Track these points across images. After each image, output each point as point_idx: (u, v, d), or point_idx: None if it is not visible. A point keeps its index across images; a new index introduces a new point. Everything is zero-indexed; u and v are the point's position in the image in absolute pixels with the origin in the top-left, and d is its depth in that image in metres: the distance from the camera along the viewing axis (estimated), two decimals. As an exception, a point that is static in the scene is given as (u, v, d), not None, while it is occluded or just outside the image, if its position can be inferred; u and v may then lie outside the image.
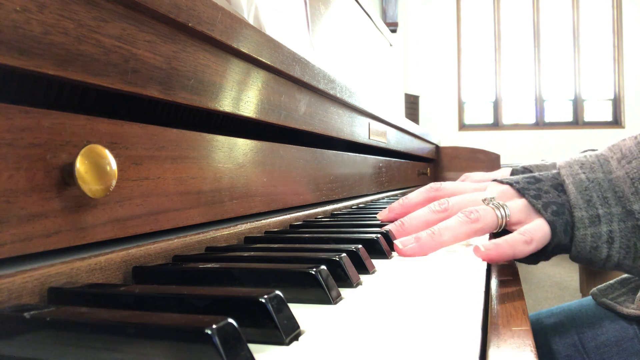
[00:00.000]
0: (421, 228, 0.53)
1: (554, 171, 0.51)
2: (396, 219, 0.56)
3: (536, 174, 0.52)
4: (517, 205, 0.49)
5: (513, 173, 1.00)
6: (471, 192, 0.56)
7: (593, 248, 0.46)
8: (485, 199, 0.51)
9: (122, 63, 0.38)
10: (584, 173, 0.48)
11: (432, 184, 0.61)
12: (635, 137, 0.50)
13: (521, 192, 0.50)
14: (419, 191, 0.61)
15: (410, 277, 0.42)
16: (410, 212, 0.56)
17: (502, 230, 0.50)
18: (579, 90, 6.40)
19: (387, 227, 0.55)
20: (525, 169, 0.98)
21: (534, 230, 0.46)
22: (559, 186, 0.49)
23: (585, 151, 0.66)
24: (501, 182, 0.53)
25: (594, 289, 0.69)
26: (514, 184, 0.51)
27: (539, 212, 0.48)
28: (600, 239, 0.46)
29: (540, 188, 0.49)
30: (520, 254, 0.46)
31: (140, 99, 0.42)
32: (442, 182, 0.61)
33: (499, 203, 0.49)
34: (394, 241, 0.50)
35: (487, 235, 0.58)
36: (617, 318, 0.65)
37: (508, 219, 0.49)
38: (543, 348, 0.68)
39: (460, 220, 0.49)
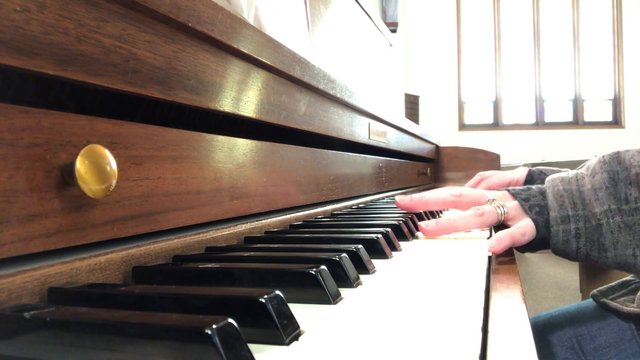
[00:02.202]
0: (439, 204, 0.70)
1: (543, 185, 0.66)
2: (411, 206, 0.72)
3: (529, 185, 0.67)
4: (512, 206, 0.64)
5: (530, 174, 1.05)
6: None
7: (565, 241, 0.59)
8: (488, 200, 0.66)
9: (122, 63, 0.38)
10: (562, 185, 0.62)
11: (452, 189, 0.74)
12: (602, 157, 0.63)
13: (515, 196, 0.64)
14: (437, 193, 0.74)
15: (411, 277, 0.42)
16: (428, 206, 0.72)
17: (500, 225, 0.63)
18: (579, 90, 6.40)
19: (411, 196, 0.72)
20: (542, 172, 1.03)
21: (525, 226, 0.60)
22: (543, 194, 0.64)
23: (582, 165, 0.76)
24: (501, 189, 0.69)
25: (594, 291, 0.69)
26: (510, 190, 0.66)
27: (526, 212, 0.62)
28: (569, 234, 0.59)
29: (529, 194, 0.64)
30: (518, 243, 0.60)
31: (140, 99, 0.42)
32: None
33: (499, 203, 0.64)
34: (419, 223, 0.65)
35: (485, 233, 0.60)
36: (615, 320, 0.65)
37: (506, 215, 0.63)
38: (542, 351, 0.68)
39: (472, 213, 0.63)
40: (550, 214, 0.60)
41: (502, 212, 0.63)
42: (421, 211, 0.79)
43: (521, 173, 1.09)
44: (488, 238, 0.60)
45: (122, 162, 0.38)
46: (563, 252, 0.61)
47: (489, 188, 1.16)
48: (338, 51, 1.41)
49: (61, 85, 0.37)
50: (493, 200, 0.65)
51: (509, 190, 0.66)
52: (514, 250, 0.63)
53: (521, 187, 0.66)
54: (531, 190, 0.65)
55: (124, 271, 0.37)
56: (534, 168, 1.08)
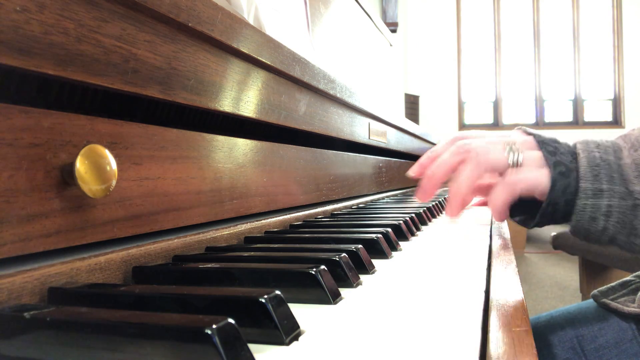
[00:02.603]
0: (447, 174, 0.59)
1: (573, 144, 0.56)
2: (425, 172, 0.62)
3: (559, 139, 0.56)
4: (532, 156, 0.54)
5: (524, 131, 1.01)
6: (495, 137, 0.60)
7: (592, 218, 0.51)
8: (506, 142, 0.55)
9: (122, 63, 0.38)
10: (599, 152, 0.52)
11: (456, 134, 0.63)
12: None
13: (540, 144, 0.54)
14: (445, 141, 0.64)
15: (411, 277, 0.42)
16: None
17: (521, 204, 0.55)
18: (579, 90, 6.40)
19: (421, 182, 0.62)
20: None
21: (531, 171, 0.52)
22: (574, 154, 0.54)
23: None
24: (525, 131, 0.57)
25: (594, 291, 0.69)
26: (536, 136, 0.55)
27: (547, 164, 0.52)
28: (598, 211, 0.50)
29: (557, 147, 0.54)
30: (514, 193, 0.52)
31: (140, 99, 0.42)
32: (467, 132, 0.64)
33: (516, 148, 0.54)
34: (445, 212, 0.61)
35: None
36: (616, 320, 0.65)
37: (520, 164, 0.53)
38: (542, 351, 0.68)
39: (465, 174, 0.55)
40: (580, 184, 0.51)
41: (514, 159, 0.53)
42: (421, 211, 0.79)
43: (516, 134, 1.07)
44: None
45: (122, 162, 0.38)
46: (584, 231, 0.52)
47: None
48: (338, 51, 1.41)
49: (61, 85, 0.37)
50: (512, 143, 0.55)
51: (534, 136, 0.56)
52: (514, 221, 0.57)
53: (550, 137, 0.56)
54: (560, 144, 0.55)
55: (124, 271, 0.37)
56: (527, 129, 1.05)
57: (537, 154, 0.53)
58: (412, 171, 0.66)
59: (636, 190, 0.50)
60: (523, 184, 0.52)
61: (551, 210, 0.52)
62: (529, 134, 0.57)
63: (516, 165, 0.53)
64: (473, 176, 0.54)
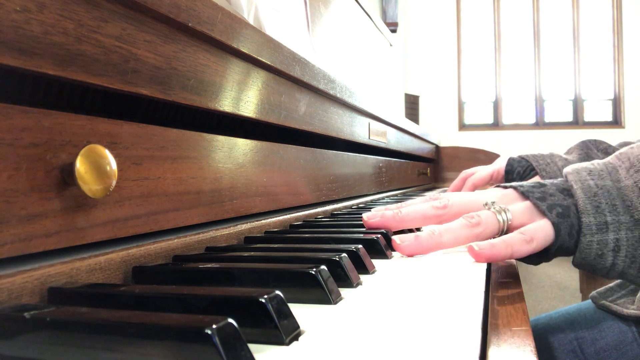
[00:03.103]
0: (418, 221, 0.54)
1: (560, 178, 0.51)
2: (383, 224, 0.55)
3: (541, 181, 0.52)
4: (519, 208, 0.49)
5: (510, 162, 1.00)
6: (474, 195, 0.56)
7: (598, 255, 0.46)
8: (486, 203, 0.51)
9: (122, 63, 0.38)
10: (592, 180, 0.48)
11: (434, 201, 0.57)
12: None
13: (525, 194, 0.49)
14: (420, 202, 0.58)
15: (411, 277, 0.42)
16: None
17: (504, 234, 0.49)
18: (579, 90, 6.40)
19: (382, 212, 0.55)
20: (522, 159, 0.98)
21: (536, 229, 0.46)
22: (564, 190, 0.49)
23: (587, 142, 0.64)
24: (504, 187, 0.53)
25: (593, 292, 0.69)
26: (518, 187, 0.51)
27: (543, 213, 0.47)
28: (606, 247, 0.46)
29: (545, 191, 0.49)
30: (518, 254, 0.46)
31: (141, 99, 0.42)
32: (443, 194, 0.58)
33: (500, 207, 0.49)
34: (393, 237, 0.49)
35: None
36: (616, 322, 0.65)
37: (510, 223, 0.48)
38: (542, 354, 0.68)
39: (462, 223, 0.49)
40: (582, 219, 0.46)
41: (505, 218, 0.48)
42: None
43: (501, 163, 1.06)
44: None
45: (122, 162, 0.38)
46: (590, 267, 0.48)
47: (474, 186, 1.11)
48: (338, 51, 1.41)
49: (61, 85, 0.37)
50: (492, 203, 0.50)
51: (515, 188, 0.51)
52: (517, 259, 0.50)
53: (531, 184, 0.51)
54: (546, 186, 0.50)
55: (124, 271, 0.37)
56: (514, 155, 1.01)
57: (525, 205, 0.49)
58: (369, 217, 0.57)
59: None
60: (531, 248, 0.46)
61: (559, 252, 0.49)
62: (508, 186, 0.52)
63: (507, 223, 0.48)
64: (462, 241, 0.49)
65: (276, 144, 0.65)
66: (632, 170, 0.47)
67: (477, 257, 0.46)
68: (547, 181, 0.51)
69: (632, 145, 0.51)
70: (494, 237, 0.49)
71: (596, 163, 0.50)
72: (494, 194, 0.53)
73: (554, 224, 0.46)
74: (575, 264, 0.49)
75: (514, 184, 0.53)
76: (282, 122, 0.65)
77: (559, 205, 0.47)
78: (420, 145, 1.76)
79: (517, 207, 0.49)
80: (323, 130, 0.80)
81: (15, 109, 0.30)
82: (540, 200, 0.48)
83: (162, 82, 0.42)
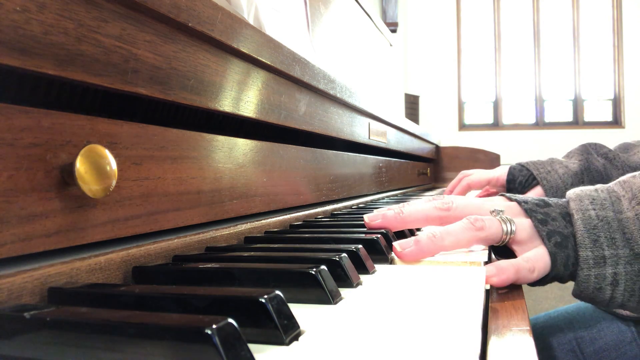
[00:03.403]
0: (420, 221, 0.54)
1: (564, 200, 0.51)
2: (385, 225, 0.55)
3: (545, 198, 0.51)
4: (523, 224, 0.48)
5: (511, 172, 1.00)
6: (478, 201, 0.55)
7: (596, 289, 0.46)
8: (494, 210, 0.50)
9: (122, 63, 0.38)
10: (594, 210, 0.47)
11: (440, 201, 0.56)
12: None
13: (528, 213, 0.49)
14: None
15: (411, 277, 0.42)
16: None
17: (502, 246, 0.49)
18: (579, 90, 6.40)
19: (384, 212, 0.55)
20: (523, 167, 0.98)
21: (537, 259, 0.46)
22: (567, 216, 0.48)
23: (587, 145, 0.63)
24: (509, 198, 0.52)
25: None
26: (522, 204, 0.50)
27: (542, 238, 0.47)
28: (604, 281, 0.45)
29: (547, 213, 0.48)
30: (523, 280, 0.46)
31: (141, 99, 0.42)
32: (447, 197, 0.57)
33: (507, 217, 0.48)
34: (393, 243, 0.49)
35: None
36: (615, 322, 0.65)
37: (513, 236, 0.48)
38: (541, 353, 0.68)
39: (465, 226, 0.48)
40: (580, 252, 0.46)
41: (509, 229, 0.48)
42: None
43: (501, 172, 1.06)
44: (485, 263, 0.47)
45: (122, 162, 0.38)
46: (590, 299, 0.47)
47: (469, 187, 1.11)
48: (338, 51, 1.41)
49: (61, 85, 0.37)
50: (500, 212, 0.49)
51: (520, 203, 0.50)
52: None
53: (536, 201, 0.50)
54: (550, 207, 0.49)
55: (124, 271, 0.37)
56: (514, 164, 1.01)
57: (528, 223, 0.48)
58: (371, 218, 0.57)
59: None
60: (532, 278, 0.46)
61: (554, 280, 0.49)
62: (512, 199, 0.52)
63: (510, 235, 0.48)
64: (465, 243, 0.48)
65: (276, 144, 0.65)
66: (634, 202, 0.46)
67: (499, 276, 0.44)
68: (552, 200, 0.50)
69: (634, 174, 0.50)
70: (494, 244, 0.49)
71: (600, 190, 0.49)
72: (498, 203, 0.52)
73: (551, 254, 0.46)
74: (574, 295, 0.48)
75: (518, 197, 0.52)
76: (282, 122, 0.65)
77: (558, 233, 0.47)
78: (420, 145, 1.76)
79: (520, 222, 0.49)
80: (323, 130, 0.80)
81: (15, 109, 0.30)
82: (542, 224, 0.47)
83: (162, 82, 0.42)
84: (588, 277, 0.45)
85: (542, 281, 0.48)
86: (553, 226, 0.47)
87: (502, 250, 0.51)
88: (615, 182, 0.51)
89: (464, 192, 1.13)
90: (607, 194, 0.48)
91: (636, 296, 0.45)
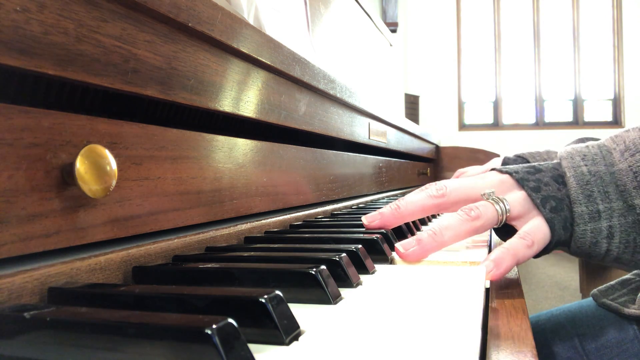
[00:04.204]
0: (417, 213, 0.53)
1: (555, 161, 0.51)
2: (384, 224, 0.55)
3: (536, 163, 0.51)
4: (516, 199, 0.49)
5: (505, 161, 1.00)
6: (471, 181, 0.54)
7: (592, 243, 0.46)
8: (484, 194, 0.50)
9: (122, 63, 0.38)
10: (586, 165, 0.47)
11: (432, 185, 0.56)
12: None
13: (520, 182, 0.49)
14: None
15: (411, 277, 0.42)
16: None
17: (502, 226, 0.50)
18: (579, 90, 6.40)
19: (381, 211, 0.55)
20: (518, 157, 0.98)
21: (534, 232, 0.46)
22: (559, 178, 0.49)
23: (584, 139, 0.63)
24: (500, 171, 0.52)
25: (594, 290, 0.69)
26: (514, 174, 0.50)
27: (537, 207, 0.47)
28: (600, 234, 0.46)
29: (540, 179, 0.48)
30: (523, 259, 0.46)
31: (140, 99, 0.42)
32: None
33: (498, 198, 0.49)
34: (396, 245, 0.49)
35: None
36: (617, 319, 0.65)
37: (508, 214, 0.48)
38: (543, 350, 0.68)
39: (461, 218, 0.48)
40: (574, 209, 0.46)
41: (504, 209, 0.48)
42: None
43: (495, 163, 1.06)
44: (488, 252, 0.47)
45: (122, 162, 0.38)
46: (586, 255, 0.48)
47: None
48: (338, 51, 1.41)
49: (61, 85, 0.37)
50: (490, 193, 0.49)
51: (511, 174, 0.50)
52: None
53: (527, 169, 0.50)
54: (541, 172, 0.49)
55: (124, 271, 0.37)
56: (510, 156, 1.00)
57: (522, 196, 0.48)
58: (369, 219, 0.56)
59: (637, 204, 0.45)
60: (533, 252, 0.46)
61: (557, 246, 0.48)
62: (504, 171, 0.51)
63: (505, 214, 0.48)
64: (463, 235, 0.48)
65: (276, 144, 0.65)
66: (627, 154, 0.47)
67: (497, 268, 0.44)
68: (543, 164, 0.50)
69: (627, 129, 0.50)
70: (493, 228, 0.49)
71: (591, 146, 0.50)
72: (491, 179, 0.52)
73: (548, 220, 0.46)
74: (571, 252, 0.49)
75: (510, 168, 0.51)
76: (282, 122, 0.65)
77: (552, 197, 0.47)
78: (420, 145, 1.76)
79: (514, 197, 0.49)
80: (323, 130, 0.80)
81: (15, 109, 0.30)
82: (535, 191, 0.48)
83: (162, 82, 0.42)
84: (584, 232, 0.46)
85: (546, 249, 0.48)
86: (547, 191, 0.48)
87: (502, 229, 0.51)
88: (606, 138, 0.51)
89: None
90: (598, 149, 0.49)
91: (630, 248, 0.46)
